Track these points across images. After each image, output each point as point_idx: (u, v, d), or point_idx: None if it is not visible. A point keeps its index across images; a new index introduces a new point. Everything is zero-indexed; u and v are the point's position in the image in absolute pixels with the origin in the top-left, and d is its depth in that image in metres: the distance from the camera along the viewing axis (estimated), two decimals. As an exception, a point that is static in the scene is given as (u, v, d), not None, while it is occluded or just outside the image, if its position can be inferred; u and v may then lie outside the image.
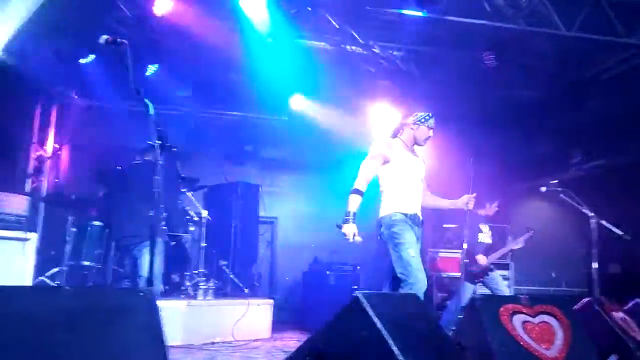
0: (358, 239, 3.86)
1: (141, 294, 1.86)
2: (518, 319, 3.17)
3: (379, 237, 4.13)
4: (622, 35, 6.09)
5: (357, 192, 3.93)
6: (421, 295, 3.74)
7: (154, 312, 1.85)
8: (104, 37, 2.81)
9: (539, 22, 5.97)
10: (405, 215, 4.03)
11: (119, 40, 2.76)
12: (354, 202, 3.90)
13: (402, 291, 3.90)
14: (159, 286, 5.05)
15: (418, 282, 3.83)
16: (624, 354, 3.65)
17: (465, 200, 4.31)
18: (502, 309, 3.18)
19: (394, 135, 4.31)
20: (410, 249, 3.90)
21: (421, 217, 4.19)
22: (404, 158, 4.16)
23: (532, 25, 5.95)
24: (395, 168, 4.12)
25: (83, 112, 7.89)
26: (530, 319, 3.22)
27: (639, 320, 4.16)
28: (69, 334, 1.67)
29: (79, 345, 1.65)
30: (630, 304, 4.51)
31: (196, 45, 6.20)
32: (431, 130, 4.25)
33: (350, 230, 3.83)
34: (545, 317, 3.27)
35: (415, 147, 4.35)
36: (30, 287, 4.62)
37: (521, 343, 3.06)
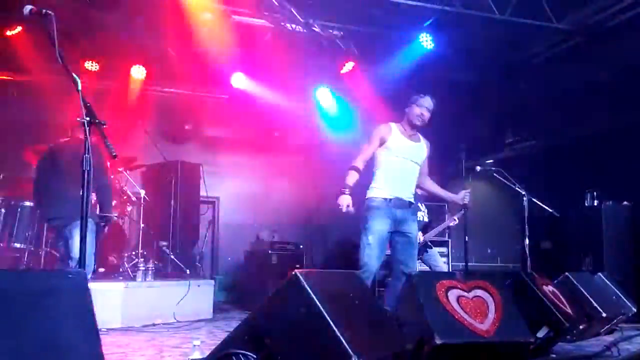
0: (351, 209, 4.02)
1: (70, 275, 1.79)
2: (453, 294, 3.24)
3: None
4: (552, 21, 6.32)
5: (354, 168, 4.12)
6: (367, 281, 3.83)
7: (84, 294, 1.79)
8: (28, 7, 2.65)
9: (474, 5, 6.09)
10: (385, 199, 4.09)
11: (44, 10, 2.61)
12: (351, 177, 4.09)
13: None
14: (91, 267, 4.86)
15: (365, 268, 3.99)
16: (554, 326, 3.83)
17: (462, 196, 4.48)
18: (438, 284, 3.26)
19: (400, 120, 4.34)
20: (372, 235, 4.03)
21: (411, 200, 4.21)
22: (397, 142, 4.21)
23: (467, 8, 6.07)
24: (386, 151, 4.19)
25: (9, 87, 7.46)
26: (464, 293, 3.31)
27: (568, 293, 4.38)
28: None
29: (3, 330, 1.57)
30: (560, 278, 4.75)
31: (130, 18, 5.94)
32: (423, 109, 4.23)
33: (344, 201, 3.98)
34: (479, 292, 3.36)
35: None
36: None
37: (456, 317, 3.13)
